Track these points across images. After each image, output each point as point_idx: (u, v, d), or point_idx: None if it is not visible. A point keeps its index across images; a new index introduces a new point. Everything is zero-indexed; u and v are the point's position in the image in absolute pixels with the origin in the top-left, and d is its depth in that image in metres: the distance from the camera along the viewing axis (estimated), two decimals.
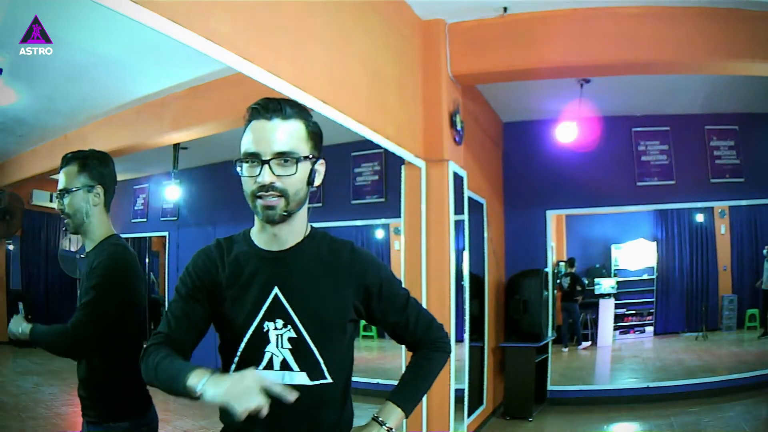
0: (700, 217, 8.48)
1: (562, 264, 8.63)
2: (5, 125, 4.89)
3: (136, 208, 7.93)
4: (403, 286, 1.31)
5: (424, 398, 3.19)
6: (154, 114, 4.36)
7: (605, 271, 8.81)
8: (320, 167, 1.19)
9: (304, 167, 1.13)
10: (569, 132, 4.66)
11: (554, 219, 6.04)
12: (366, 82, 2.85)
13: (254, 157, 1.10)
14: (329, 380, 1.17)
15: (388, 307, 1.26)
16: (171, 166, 6.09)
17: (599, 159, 5.20)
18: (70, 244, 7.83)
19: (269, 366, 1.14)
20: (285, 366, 1.15)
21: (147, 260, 8.67)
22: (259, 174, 1.09)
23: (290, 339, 1.15)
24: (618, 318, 8.44)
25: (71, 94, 4.23)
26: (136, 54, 3.42)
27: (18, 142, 5.60)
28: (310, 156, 1.14)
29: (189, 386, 1.00)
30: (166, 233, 7.52)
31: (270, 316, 1.15)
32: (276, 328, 1.15)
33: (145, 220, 7.81)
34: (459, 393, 3.73)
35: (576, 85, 4.47)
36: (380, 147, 3.03)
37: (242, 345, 1.15)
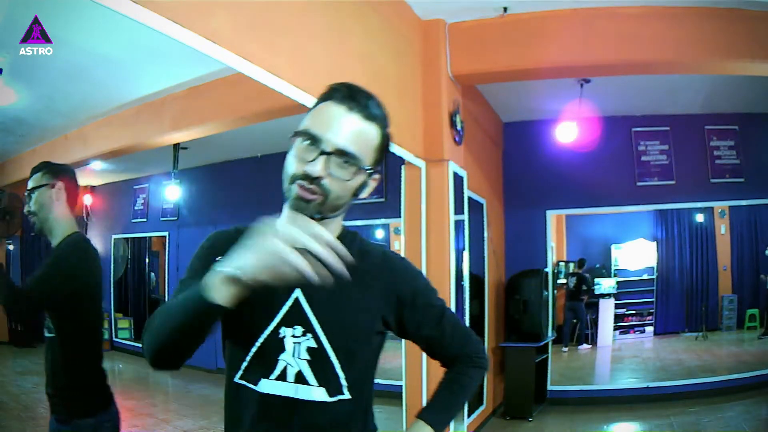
0: (700, 217, 8.48)
1: (562, 264, 8.63)
2: (5, 125, 4.89)
3: (136, 208, 7.93)
4: (439, 295, 1.18)
5: (424, 400, 3.19)
6: (154, 114, 4.36)
7: (605, 271, 8.82)
8: (373, 182, 1.06)
9: (359, 178, 1.00)
10: (569, 132, 4.66)
11: (554, 219, 6.04)
12: (366, 82, 2.83)
13: (314, 141, 0.95)
14: (348, 396, 1.03)
15: (422, 320, 1.13)
16: (171, 166, 6.09)
17: (599, 159, 5.20)
18: None
19: (282, 377, 1.01)
20: (300, 379, 1.01)
21: (147, 260, 8.67)
22: (313, 161, 0.94)
23: (309, 349, 1.01)
24: (618, 318, 8.44)
25: (71, 94, 4.23)
26: (136, 54, 3.41)
27: (18, 142, 5.60)
28: (370, 169, 1.02)
29: (206, 289, 0.84)
30: (166, 233, 7.52)
31: (288, 321, 1.01)
32: (294, 336, 1.01)
33: (145, 220, 7.82)
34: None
35: (576, 85, 4.47)
36: None
37: (253, 349, 1.02)
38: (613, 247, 8.91)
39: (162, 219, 7.56)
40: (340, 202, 1.00)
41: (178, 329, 0.89)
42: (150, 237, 8.22)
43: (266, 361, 1.01)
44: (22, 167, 6.23)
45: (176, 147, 5.84)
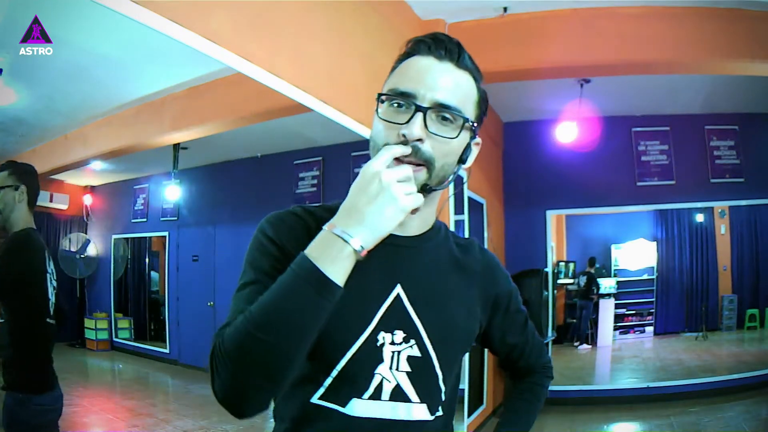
0: (700, 217, 8.47)
1: (562, 264, 8.63)
2: (5, 125, 4.88)
3: (136, 208, 7.93)
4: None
5: None
6: (154, 114, 4.35)
7: (605, 271, 8.81)
8: (476, 147, 0.91)
9: (464, 137, 0.85)
10: (569, 132, 4.66)
11: (554, 219, 6.03)
12: (366, 82, 2.84)
13: (405, 99, 0.80)
14: (443, 413, 0.90)
15: (510, 326, 1.02)
16: (171, 166, 6.09)
17: (599, 159, 5.20)
18: (70, 244, 7.84)
19: (376, 395, 0.81)
20: (398, 395, 0.82)
21: (147, 260, 8.67)
22: (408, 121, 0.79)
23: (411, 359, 0.83)
24: (618, 318, 8.44)
25: (71, 94, 4.23)
26: (136, 54, 3.41)
27: (18, 142, 5.59)
28: (475, 124, 0.86)
29: (322, 266, 0.69)
30: (166, 233, 7.52)
31: (387, 324, 0.83)
32: (393, 343, 0.83)
33: (145, 220, 7.81)
34: (459, 393, 3.73)
35: (576, 85, 4.47)
36: None
37: (342, 362, 0.81)
38: (613, 247, 8.90)
39: (162, 219, 7.55)
40: (446, 171, 0.84)
41: (299, 333, 0.69)
42: (150, 237, 8.23)
43: (358, 377, 0.81)
44: None
45: (176, 147, 5.83)
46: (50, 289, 2.09)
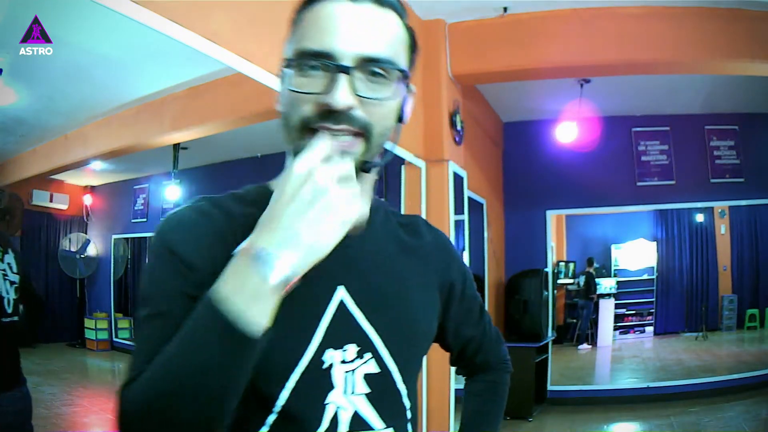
0: (700, 217, 8.48)
1: (562, 264, 8.63)
2: (5, 125, 4.89)
3: (136, 208, 7.94)
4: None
5: (424, 398, 3.19)
6: (154, 114, 4.35)
7: (605, 271, 8.82)
8: (412, 97, 0.74)
9: (400, 93, 0.68)
10: (569, 132, 4.66)
11: (554, 219, 6.04)
12: None
13: (321, 59, 0.63)
14: (408, 405, 0.73)
15: (466, 316, 0.87)
16: (171, 166, 6.10)
17: (599, 159, 5.20)
18: (70, 244, 7.84)
19: (332, 428, 0.65)
20: (358, 424, 0.66)
21: (147, 260, 8.67)
22: (330, 89, 0.61)
23: (368, 377, 0.68)
24: (618, 318, 8.44)
25: (71, 94, 4.23)
26: (136, 54, 3.41)
27: (18, 142, 5.60)
28: (408, 74, 0.69)
29: (237, 313, 0.52)
30: None
31: (333, 340, 0.66)
32: (345, 361, 0.66)
33: (145, 220, 7.82)
34: (459, 393, 3.73)
35: (576, 85, 4.47)
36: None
37: (283, 398, 0.64)
38: (613, 247, 8.91)
39: (162, 219, 7.55)
40: (386, 137, 0.69)
41: (217, 397, 0.54)
42: (150, 237, 8.22)
43: (306, 411, 0.65)
44: (22, 167, 6.22)
45: (176, 147, 5.84)
46: (3, 287, 1.98)
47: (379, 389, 0.68)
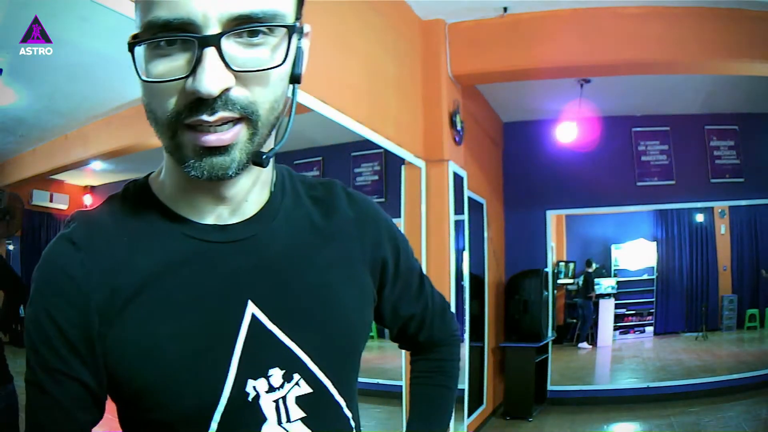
0: (700, 217, 8.48)
1: (562, 264, 8.63)
2: (5, 125, 4.89)
3: None
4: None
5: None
6: None
7: (605, 271, 8.81)
8: (306, 40, 0.60)
9: (289, 53, 0.52)
10: (569, 132, 4.66)
11: (554, 219, 6.04)
12: (366, 82, 2.84)
13: (177, 32, 0.47)
14: (350, 415, 0.66)
15: (403, 293, 0.75)
16: None
17: (599, 159, 5.20)
18: None
19: None
20: None
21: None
22: (197, 70, 0.47)
23: (301, 399, 0.59)
24: (618, 318, 8.44)
25: (71, 94, 4.23)
26: None
27: (18, 142, 5.60)
28: (296, 24, 0.54)
29: None
30: None
31: (252, 365, 0.57)
32: (272, 389, 0.58)
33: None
34: (459, 393, 3.72)
35: (576, 85, 4.47)
36: (380, 147, 3.03)
37: None
38: (613, 247, 8.90)
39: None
40: (275, 115, 0.54)
41: None
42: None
43: None
44: (22, 167, 6.23)
45: None
46: None
47: (316, 409, 0.60)
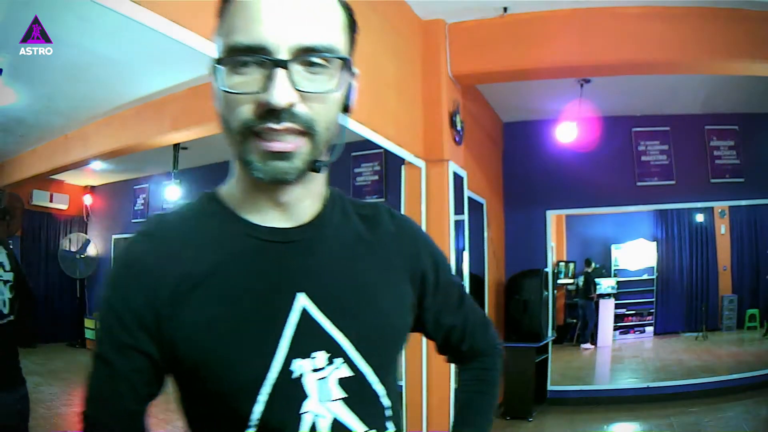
0: (700, 217, 8.48)
1: (562, 264, 8.63)
2: (5, 125, 4.89)
3: (136, 208, 7.94)
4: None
5: (424, 398, 3.19)
6: (154, 114, 4.36)
7: (605, 271, 8.81)
8: (356, 81, 0.70)
9: (344, 82, 0.64)
10: (569, 132, 4.66)
11: (554, 219, 6.04)
12: (366, 82, 2.84)
13: (254, 54, 0.59)
14: (394, 429, 0.72)
15: (444, 304, 0.82)
16: (171, 166, 6.10)
17: (599, 159, 5.20)
18: (70, 244, 7.84)
19: None
20: (338, 429, 0.66)
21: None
22: (268, 86, 0.58)
23: (343, 382, 0.66)
24: (618, 318, 8.44)
25: (71, 94, 4.23)
26: (136, 54, 3.41)
27: (18, 142, 5.60)
28: (350, 61, 0.65)
29: None
30: None
31: (300, 347, 0.65)
32: (315, 369, 0.65)
33: (145, 220, 7.81)
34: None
35: (576, 85, 4.47)
36: (380, 147, 3.03)
37: (256, 413, 0.63)
38: (613, 247, 8.90)
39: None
40: (332, 132, 0.66)
41: None
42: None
43: (284, 424, 0.64)
44: (22, 167, 6.23)
45: (176, 147, 5.85)
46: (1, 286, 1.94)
47: (356, 392, 0.67)
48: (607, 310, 8.26)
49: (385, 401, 0.71)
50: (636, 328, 8.60)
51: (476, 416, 0.88)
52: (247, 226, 0.68)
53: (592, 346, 8.04)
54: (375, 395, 0.69)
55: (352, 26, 0.68)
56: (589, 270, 8.26)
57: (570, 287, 8.67)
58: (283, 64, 0.58)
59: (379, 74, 2.99)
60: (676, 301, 8.57)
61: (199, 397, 0.66)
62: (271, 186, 0.65)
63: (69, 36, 2.95)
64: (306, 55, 0.59)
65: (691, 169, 5.19)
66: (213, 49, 0.69)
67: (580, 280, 8.26)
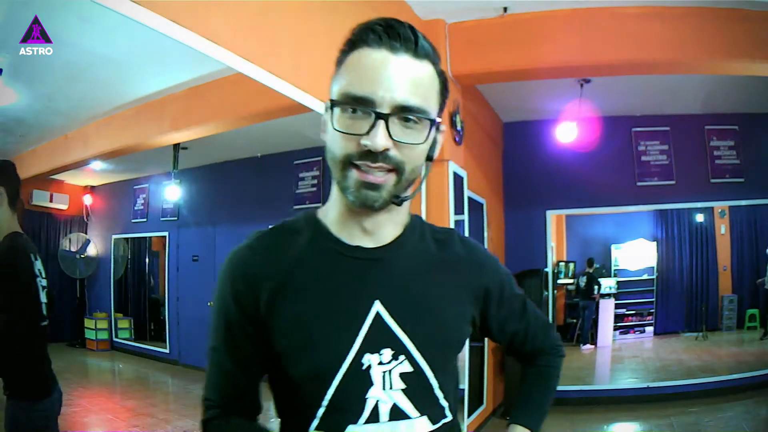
0: (700, 217, 8.48)
1: (562, 264, 8.63)
2: (5, 125, 4.89)
3: (136, 208, 7.94)
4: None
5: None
6: (154, 114, 4.36)
7: (605, 271, 8.81)
8: (441, 137, 0.85)
9: (431, 137, 0.80)
10: (569, 132, 4.66)
11: (554, 219, 6.04)
12: None
13: (363, 105, 0.74)
14: (450, 417, 0.86)
15: (508, 314, 0.98)
16: (171, 166, 6.10)
17: (599, 159, 5.20)
18: (70, 244, 7.84)
19: (373, 418, 0.79)
20: (397, 414, 0.80)
21: (147, 260, 8.68)
22: (370, 131, 0.73)
23: (403, 375, 0.80)
24: (618, 318, 8.44)
25: (71, 94, 4.23)
26: (136, 54, 3.41)
27: (18, 142, 5.60)
28: (439, 120, 0.80)
29: None
30: (166, 233, 7.53)
31: (371, 344, 0.79)
32: (381, 363, 0.79)
33: (145, 220, 7.82)
34: (459, 393, 3.73)
35: (576, 85, 4.47)
36: None
37: (329, 393, 0.78)
38: (613, 247, 8.90)
39: (162, 219, 7.56)
40: (416, 174, 0.80)
41: None
42: (150, 237, 8.23)
43: (350, 404, 0.78)
44: (22, 167, 6.23)
45: (176, 147, 5.84)
46: (41, 292, 2.03)
47: (414, 385, 0.81)
48: (607, 310, 8.26)
49: (440, 394, 0.84)
50: (636, 328, 8.60)
51: (533, 408, 1.02)
52: (337, 243, 0.83)
53: (592, 346, 8.04)
54: (431, 388, 0.83)
55: (444, 90, 0.83)
56: (591, 270, 8.26)
57: (570, 287, 8.67)
58: (384, 117, 0.73)
59: None
60: (676, 301, 8.57)
61: (283, 380, 0.81)
62: (360, 211, 0.81)
63: (69, 36, 2.94)
64: (403, 113, 0.75)
65: (691, 169, 5.19)
66: (328, 91, 0.83)
67: (582, 280, 8.25)
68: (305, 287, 0.80)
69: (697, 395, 4.94)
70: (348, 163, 0.76)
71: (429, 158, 0.82)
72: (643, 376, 6.12)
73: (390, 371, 0.79)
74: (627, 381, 5.97)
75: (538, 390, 1.05)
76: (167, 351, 6.94)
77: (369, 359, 0.79)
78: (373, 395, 0.79)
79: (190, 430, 4.48)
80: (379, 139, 0.73)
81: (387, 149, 0.74)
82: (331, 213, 0.85)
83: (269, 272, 0.81)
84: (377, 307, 0.80)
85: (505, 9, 3.38)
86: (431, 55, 0.80)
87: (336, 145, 0.77)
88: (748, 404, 4.69)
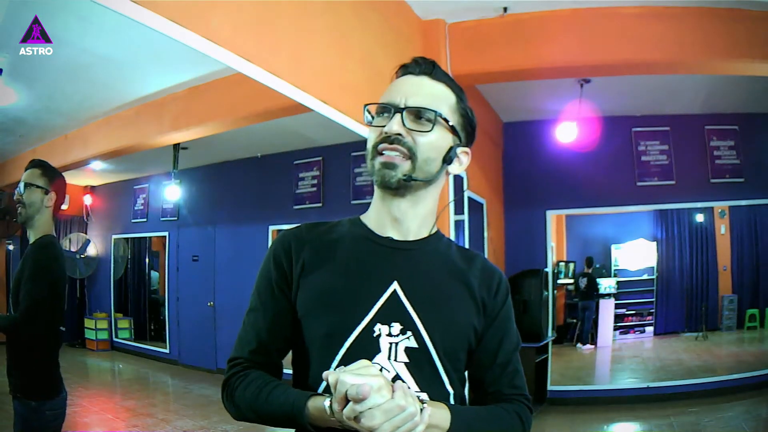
0: (700, 217, 8.47)
1: (562, 264, 8.63)
2: (5, 125, 4.88)
3: (136, 208, 7.93)
4: None
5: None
6: (154, 114, 4.35)
7: (605, 271, 8.81)
8: (463, 156, 1.02)
9: (442, 135, 0.96)
10: (569, 132, 4.66)
11: (554, 219, 6.04)
12: (366, 82, 2.84)
13: (386, 108, 0.97)
14: (451, 392, 0.94)
15: (502, 343, 0.99)
16: (171, 166, 6.10)
17: (599, 159, 5.20)
18: (70, 244, 7.84)
19: None
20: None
21: (147, 260, 8.68)
22: (388, 123, 0.94)
23: (408, 350, 0.89)
24: (618, 318, 8.44)
25: (71, 94, 4.23)
26: (136, 54, 3.41)
27: (18, 142, 5.59)
28: (450, 123, 0.97)
29: (304, 415, 0.81)
30: (166, 233, 7.53)
31: (384, 316, 0.89)
32: (390, 334, 0.89)
33: (145, 220, 7.81)
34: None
35: (576, 85, 4.47)
36: None
37: (341, 351, 0.88)
38: (613, 247, 8.90)
39: (162, 219, 7.55)
40: (430, 167, 0.95)
41: (277, 424, 0.89)
42: (150, 237, 8.23)
43: None
44: (22, 167, 6.22)
45: (176, 147, 5.83)
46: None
47: (417, 361, 0.89)
48: (607, 310, 8.26)
49: (444, 377, 0.91)
50: (636, 328, 8.60)
51: (470, 413, 0.94)
52: (369, 232, 0.99)
53: (592, 346, 8.04)
54: (434, 367, 0.90)
55: (463, 115, 1.02)
56: (590, 270, 8.25)
57: (570, 287, 8.67)
58: (399, 111, 0.94)
59: (379, 74, 2.99)
60: (676, 301, 8.57)
61: (302, 343, 0.93)
62: (386, 196, 0.97)
63: (69, 36, 2.94)
64: (413, 108, 0.94)
65: (691, 169, 5.19)
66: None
67: (583, 281, 8.24)
68: (336, 260, 0.95)
69: (697, 395, 4.94)
70: (374, 150, 0.95)
71: (446, 161, 0.98)
72: (643, 376, 6.13)
73: (396, 344, 0.89)
74: (627, 381, 5.97)
75: (488, 411, 0.96)
76: (167, 351, 6.94)
77: (380, 328, 0.89)
78: (379, 362, 0.87)
79: (190, 430, 4.49)
80: (392, 126, 0.92)
81: (399, 134, 0.93)
82: (369, 212, 1.02)
83: (309, 242, 0.97)
84: (395, 286, 0.92)
85: (505, 9, 3.37)
86: (447, 82, 1.01)
87: (369, 139, 0.97)
88: (748, 404, 4.69)
